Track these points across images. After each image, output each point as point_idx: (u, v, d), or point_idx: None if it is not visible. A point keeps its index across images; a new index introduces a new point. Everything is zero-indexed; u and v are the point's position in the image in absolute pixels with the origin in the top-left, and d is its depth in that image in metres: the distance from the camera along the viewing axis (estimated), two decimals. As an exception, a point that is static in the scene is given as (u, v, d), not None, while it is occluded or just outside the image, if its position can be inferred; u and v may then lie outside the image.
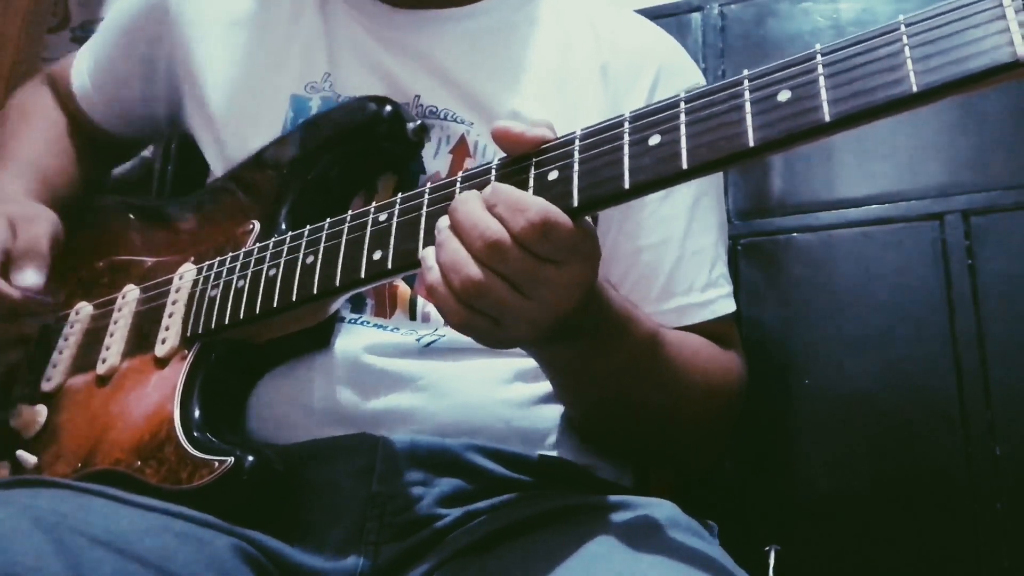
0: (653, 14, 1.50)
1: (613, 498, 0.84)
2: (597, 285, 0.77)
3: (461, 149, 1.00)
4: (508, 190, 0.70)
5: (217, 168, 1.08)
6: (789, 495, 1.24)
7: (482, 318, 0.71)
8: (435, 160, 1.00)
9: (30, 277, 1.00)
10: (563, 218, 0.68)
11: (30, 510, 0.71)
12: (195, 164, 1.16)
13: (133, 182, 1.36)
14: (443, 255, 0.70)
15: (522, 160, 0.72)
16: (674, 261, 1.02)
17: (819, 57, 0.59)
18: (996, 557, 1.11)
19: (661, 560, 0.70)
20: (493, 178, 0.73)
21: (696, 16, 1.48)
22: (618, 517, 0.79)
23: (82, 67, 1.24)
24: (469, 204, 0.70)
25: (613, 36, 1.07)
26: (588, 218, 0.71)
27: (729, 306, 1.04)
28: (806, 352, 1.27)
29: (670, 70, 1.07)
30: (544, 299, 0.70)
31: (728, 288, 1.05)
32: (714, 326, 1.02)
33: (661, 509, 0.81)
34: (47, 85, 1.30)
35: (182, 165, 1.40)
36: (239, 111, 1.06)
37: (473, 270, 0.69)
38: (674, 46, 1.13)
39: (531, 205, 0.68)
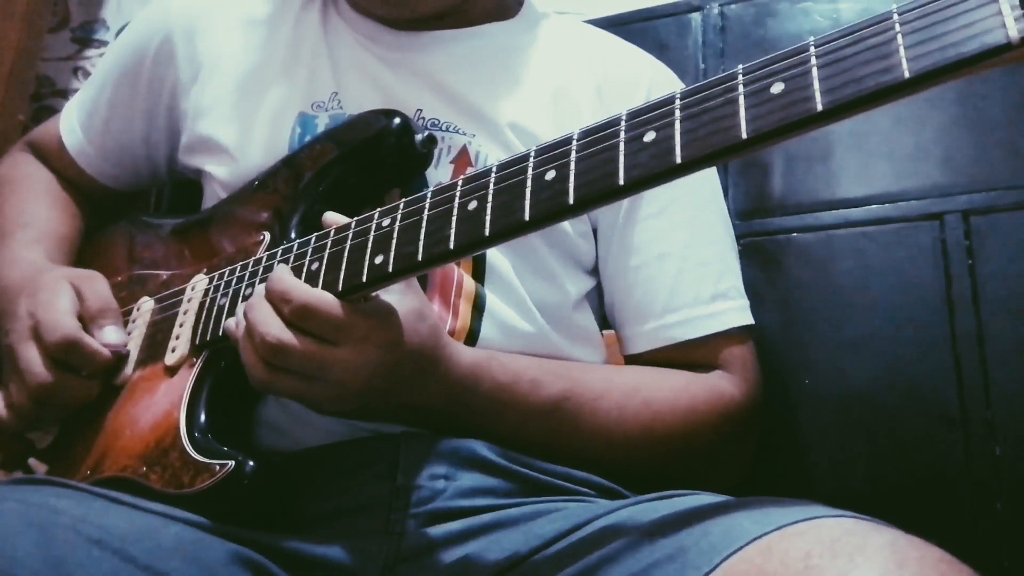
0: (653, 14, 1.51)
1: (668, 493, 0.84)
2: (443, 371, 0.85)
3: (463, 160, 1.02)
4: (278, 282, 0.80)
5: (222, 190, 1.09)
6: (789, 495, 1.23)
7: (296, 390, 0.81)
8: (436, 171, 1.01)
9: (113, 334, 1.00)
10: (325, 302, 0.78)
11: (25, 506, 0.72)
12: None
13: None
14: (243, 357, 0.82)
15: (521, 161, 0.72)
16: (675, 273, 1.02)
17: (812, 48, 0.59)
18: (996, 557, 1.10)
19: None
20: (492, 180, 0.73)
21: (696, 16, 1.48)
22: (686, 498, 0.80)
23: (73, 123, 1.25)
24: (255, 309, 0.80)
25: (605, 63, 1.11)
26: (392, 292, 0.81)
27: (740, 319, 1.04)
28: (806, 352, 1.27)
29: (660, 83, 1.11)
30: (331, 380, 0.78)
31: (740, 301, 1.05)
32: (722, 342, 1.02)
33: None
34: (28, 152, 1.30)
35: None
36: (246, 132, 1.07)
37: (259, 372, 0.80)
38: (662, 67, 1.16)
39: (293, 295, 0.78)
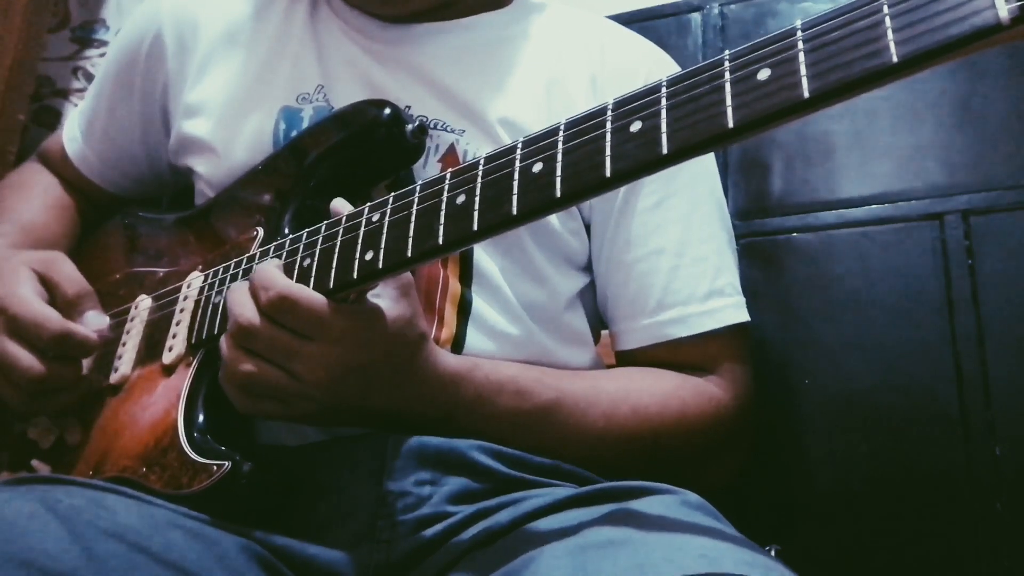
0: (653, 14, 1.51)
1: (633, 484, 0.83)
2: (421, 377, 0.84)
3: (451, 158, 1.00)
4: (263, 273, 0.80)
5: (209, 188, 1.08)
6: (789, 495, 1.23)
7: (264, 401, 0.82)
8: (424, 169, 1.00)
9: (96, 319, 0.99)
10: (306, 295, 0.78)
11: (47, 502, 0.72)
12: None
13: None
14: (222, 351, 0.83)
15: (508, 153, 0.72)
16: (670, 270, 1.00)
17: (799, 33, 0.57)
18: (996, 557, 1.10)
19: (694, 536, 0.69)
20: (480, 172, 0.73)
21: (696, 16, 1.48)
22: (642, 500, 0.78)
23: (75, 131, 1.24)
24: (235, 291, 0.82)
25: (603, 50, 1.09)
26: (381, 298, 0.81)
27: (736, 316, 1.02)
28: (806, 352, 1.26)
29: (658, 74, 1.08)
30: (296, 372, 0.79)
31: (737, 298, 1.03)
32: (716, 341, 1.01)
33: (685, 494, 0.81)
34: (39, 162, 1.30)
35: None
36: (230, 128, 1.06)
37: (231, 355, 0.81)
38: (662, 56, 1.14)
39: (274, 284, 0.79)
